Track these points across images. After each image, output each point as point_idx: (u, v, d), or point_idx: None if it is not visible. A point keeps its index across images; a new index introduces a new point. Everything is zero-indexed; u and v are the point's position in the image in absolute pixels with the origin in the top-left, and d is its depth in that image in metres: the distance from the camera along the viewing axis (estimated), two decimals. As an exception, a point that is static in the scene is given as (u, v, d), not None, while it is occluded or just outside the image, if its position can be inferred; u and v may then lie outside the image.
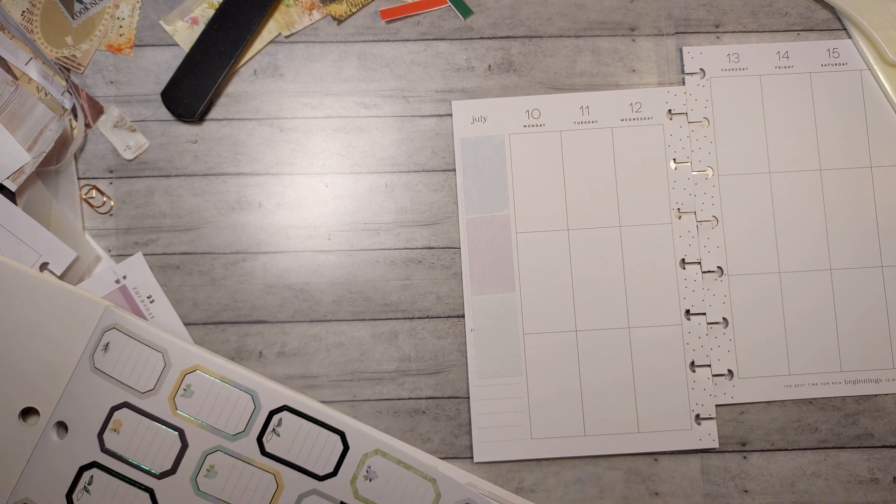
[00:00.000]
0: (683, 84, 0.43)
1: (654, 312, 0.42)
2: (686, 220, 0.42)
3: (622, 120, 0.42)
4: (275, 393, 0.39)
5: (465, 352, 0.42)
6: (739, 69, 0.43)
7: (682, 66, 0.43)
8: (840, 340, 0.42)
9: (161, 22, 0.42)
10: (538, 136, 0.42)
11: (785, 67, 0.43)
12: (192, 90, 0.41)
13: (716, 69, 0.43)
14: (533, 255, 0.42)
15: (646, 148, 0.42)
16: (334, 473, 0.38)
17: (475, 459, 0.41)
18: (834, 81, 0.43)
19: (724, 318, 0.42)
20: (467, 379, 0.41)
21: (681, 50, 0.43)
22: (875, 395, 0.42)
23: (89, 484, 0.38)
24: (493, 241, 0.42)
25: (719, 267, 0.42)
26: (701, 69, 0.43)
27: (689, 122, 0.42)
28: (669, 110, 0.42)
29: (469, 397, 0.41)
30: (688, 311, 0.42)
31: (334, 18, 0.43)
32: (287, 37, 0.43)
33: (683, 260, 0.42)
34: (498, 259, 0.42)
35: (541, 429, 0.41)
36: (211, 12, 0.42)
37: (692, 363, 0.41)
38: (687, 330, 0.41)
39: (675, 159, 0.42)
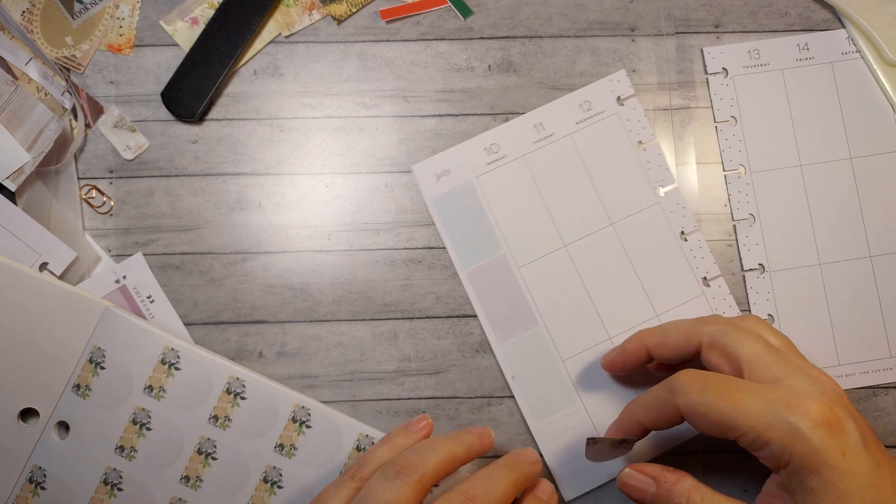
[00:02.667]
0: (707, 85, 0.43)
1: (674, 291, 0.41)
2: (670, 195, 0.42)
3: (577, 123, 0.42)
4: (272, 389, 0.39)
5: (514, 399, 0.41)
6: (761, 65, 0.43)
7: (705, 66, 0.43)
8: (887, 325, 0.42)
9: (161, 22, 0.42)
10: (504, 168, 0.42)
11: (806, 59, 0.43)
12: (192, 90, 0.41)
13: (738, 67, 0.43)
14: (542, 283, 0.41)
15: (609, 141, 0.42)
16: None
17: (566, 498, 0.40)
18: (856, 69, 0.43)
19: (769, 315, 0.42)
20: (526, 424, 0.41)
21: (702, 51, 0.43)
22: (875, 395, 0.42)
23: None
24: (500, 284, 0.41)
25: (760, 264, 0.42)
26: (724, 68, 0.43)
27: (716, 122, 0.43)
28: (618, 97, 0.42)
29: (536, 443, 0.41)
30: (704, 279, 0.42)
31: (334, 18, 0.43)
32: (287, 37, 0.43)
33: (682, 232, 0.42)
34: (511, 300, 0.41)
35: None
36: (211, 12, 0.42)
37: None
38: (711, 296, 0.41)
39: (640, 141, 0.42)
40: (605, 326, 0.41)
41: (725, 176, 0.43)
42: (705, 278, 0.42)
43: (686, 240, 0.42)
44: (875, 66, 0.43)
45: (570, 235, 0.41)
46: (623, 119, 0.42)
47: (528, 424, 0.41)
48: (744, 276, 0.42)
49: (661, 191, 0.41)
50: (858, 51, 0.43)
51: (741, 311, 0.42)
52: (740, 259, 0.42)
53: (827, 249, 0.42)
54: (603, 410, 0.41)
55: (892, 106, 0.43)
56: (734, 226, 0.42)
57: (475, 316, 0.42)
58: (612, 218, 0.42)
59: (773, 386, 0.32)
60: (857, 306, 0.42)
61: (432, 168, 0.42)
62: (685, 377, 0.33)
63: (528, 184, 0.42)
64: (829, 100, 0.43)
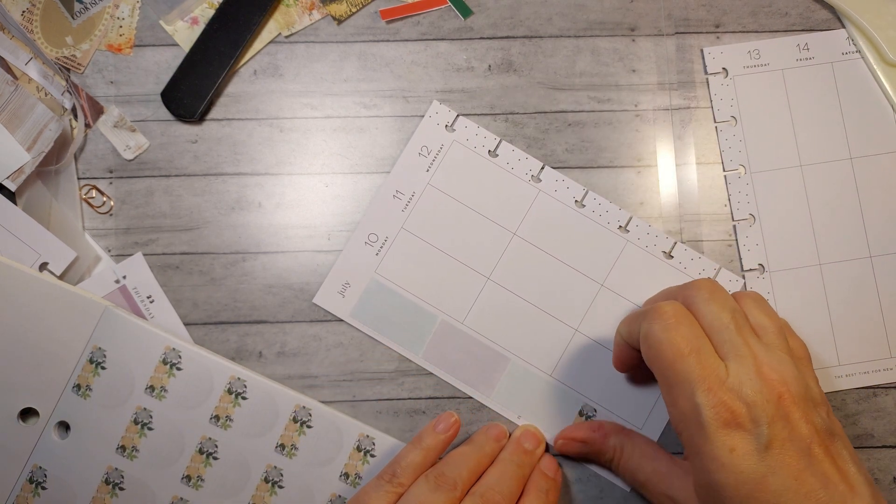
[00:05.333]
0: (707, 85, 0.43)
1: (600, 257, 0.42)
2: (546, 175, 0.42)
3: (427, 170, 0.42)
4: (269, 387, 0.39)
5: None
6: (761, 65, 0.43)
7: (705, 66, 0.43)
8: (887, 325, 0.42)
9: (161, 22, 0.42)
10: (392, 251, 0.41)
11: (806, 59, 0.43)
12: (192, 90, 0.41)
13: (738, 67, 0.43)
14: (490, 322, 0.41)
15: (464, 168, 0.42)
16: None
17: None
18: (856, 70, 0.43)
19: None
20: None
21: (702, 51, 0.43)
22: (875, 395, 0.42)
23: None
24: (456, 348, 0.41)
25: (760, 264, 0.42)
26: (724, 68, 0.43)
27: (716, 122, 0.43)
28: (446, 125, 0.42)
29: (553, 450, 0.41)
30: (620, 227, 0.42)
31: (334, 18, 0.43)
32: (287, 37, 0.43)
33: (576, 200, 0.42)
34: (474, 355, 0.41)
35: (636, 418, 0.41)
36: (211, 12, 0.42)
37: (664, 251, 0.42)
38: (634, 236, 0.42)
39: (489, 150, 0.42)
40: (564, 323, 0.41)
41: (725, 176, 0.43)
42: (620, 226, 0.42)
43: (583, 205, 0.42)
44: (875, 67, 0.43)
45: (487, 267, 0.41)
46: (462, 141, 0.42)
47: (551, 445, 0.41)
48: (744, 277, 0.42)
49: (536, 178, 0.42)
50: (858, 51, 0.43)
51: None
52: (740, 259, 0.42)
53: (827, 249, 0.42)
54: (611, 397, 0.41)
55: (892, 106, 0.43)
56: (734, 226, 0.42)
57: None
58: (511, 228, 0.41)
59: (714, 364, 0.33)
60: (857, 306, 0.42)
61: (332, 289, 0.41)
62: (667, 308, 0.34)
63: (423, 247, 0.41)
64: (829, 100, 0.43)
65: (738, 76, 0.43)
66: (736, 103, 0.43)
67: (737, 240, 0.42)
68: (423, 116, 0.42)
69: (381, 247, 0.41)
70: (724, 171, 0.43)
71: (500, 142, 0.42)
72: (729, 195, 0.43)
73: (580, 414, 0.41)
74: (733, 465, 0.31)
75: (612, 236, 0.42)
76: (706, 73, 0.43)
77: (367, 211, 0.42)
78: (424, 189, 0.42)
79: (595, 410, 0.41)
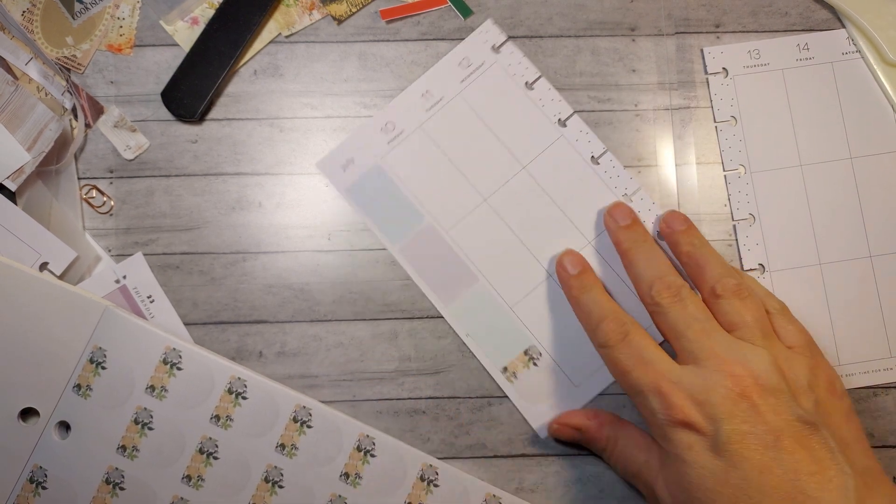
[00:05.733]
0: (707, 85, 0.43)
1: (599, 216, 0.42)
2: (572, 124, 0.42)
3: (462, 81, 0.42)
4: (266, 385, 0.39)
5: (472, 356, 0.41)
6: (761, 65, 0.43)
7: (705, 66, 0.43)
8: (887, 325, 0.42)
9: (161, 22, 0.42)
10: (405, 144, 0.42)
11: (806, 59, 0.43)
12: (192, 90, 0.41)
13: (738, 67, 0.43)
14: (472, 240, 0.42)
15: (498, 90, 0.42)
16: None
17: (542, 437, 0.41)
18: (856, 69, 0.43)
19: None
20: (493, 378, 0.41)
21: (702, 51, 0.43)
22: (875, 395, 0.42)
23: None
24: (433, 252, 0.42)
25: (761, 264, 0.42)
26: (724, 68, 0.43)
27: (716, 122, 0.43)
28: (493, 46, 0.42)
29: (506, 395, 0.41)
30: (625, 194, 0.42)
31: (334, 18, 0.43)
32: (287, 37, 0.43)
33: (593, 156, 0.42)
34: (446, 264, 0.42)
35: (577, 374, 0.41)
36: (211, 12, 0.42)
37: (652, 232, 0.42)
38: (636, 209, 0.42)
39: (527, 82, 0.42)
40: (541, 265, 0.42)
41: (725, 176, 0.43)
42: (626, 194, 0.42)
43: (598, 163, 0.42)
44: (875, 67, 0.43)
45: (488, 189, 0.42)
46: (504, 66, 0.42)
47: (495, 378, 0.41)
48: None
49: (562, 123, 0.42)
50: (858, 51, 0.43)
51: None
52: (740, 259, 0.42)
53: (827, 249, 0.42)
54: (559, 345, 0.41)
55: (892, 106, 0.43)
56: (734, 226, 0.42)
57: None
58: (523, 161, 0.42)
59: (666, 369, 0.35)
60: (857, 306, 0.42)
61: (336, 160, 0.42)
62: (608, 330, 0.37)
63: (434, 151, 0.42)
64: (829, 100, 0.43)
65: (738, 76, 0.43)
66: (736, 103, 0.43)
67: (737, 239, 0.42)
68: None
69: (395, 138, 0.42)
70: (724, 170, 0.43)
71: (539, 77, 0.42)
72: (729, 195, 0.43)
73: (525, 353, 0.41)
74: (693, 461, 0.33)
75: (613, 200, 0.42)
76: (706, 72, 0.43)
77: (394, 100, 0.42)
78: (453, 98, 0.42)
79: (540, 355, 0.41)
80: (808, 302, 0.42)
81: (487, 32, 0.43)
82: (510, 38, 0.42)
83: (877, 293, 0.42)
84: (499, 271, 0.42)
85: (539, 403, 0.41)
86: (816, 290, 0.42)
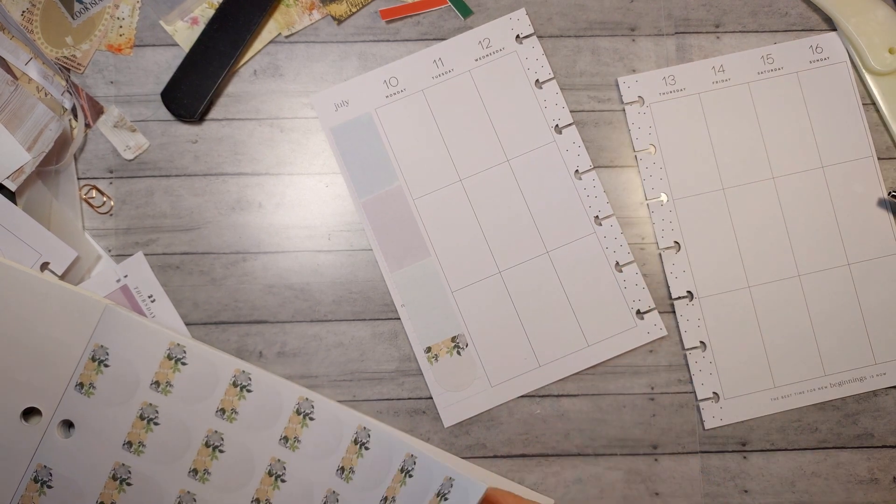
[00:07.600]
0: (624, 114, 0.43)
1: (566, 229, 0.42)
2: (567, 133, 0.42)
3: (476, 60, 0.42)
4: (272, 380, 0.39)
5: (404, 329, 0.42)
6: (677, 90, 0.42)
7: (620, 96, 0.43)
8: (819, 344, 0.42)
9: (161, 22, 0.42)
10: (403, 101, 0.42)
11: (722, 82, 0.42)
12: (192, 90, 0.41)
13: (654, 94, 0.42)
14: (436, 215, 0.42)
15: (507, 79, 0.42)
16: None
17: (445, 424, 0.41)
18: (773, 88, 0.42)
19: (701, 342, 0.42)
20: (413, 352, 0.41)
21: (616, 81, 0.43)
22: (875, 395, 0.42)
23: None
24: (395, 215, 0.42)
25: (689, 291, 0.42)
26: (640, 97, 0.42)
27: (635, 152, 0.42)
28: (517, 35, 0.42)
29: (421, 371, 0.41)
30: (597, 217, 0.42)
31: (334, 18, 0.43)
32: (287, 37, 0.43)
33: (577, 171, 0.42)
34: (404, 231, 0.42)
35: (497, 375, 0.41)
36: (211, 12, 0.42)
37: (616, 264, 0.42)
38: (602, 234, 0.42)
39: (538, 80, 0.42)
40: (495, 261, 0.42)
41: (648, 205, 0.42)
42: (597, 217, 0.42)
43: (580, 178, 0.42)
44: (862, 70, 0.42)
45: (466, 170, 0.42)
46: (521, 57, 0.42)
47: (414, 351, 0.41)
48: (672, 305, 0.42)
49: (558, 130, 0.42)
50: (849, 54, 0.43)
51: (608, 216, 0.42)
52: (668, 288, 0.42)
53: (755, 271, 0.42)
54: (487, 342, 0.41)
55: (878, 111, 0.42)
56: (660, 255, 0.42)
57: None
58: (508, 154, 0.42)
59: None
60: (788, 326, 0.42)
61: (332, 98, 0.42)
62: None
63: (427, 118, 0.42)
64: (747, 120, 0.42)
65: (654, 103, 0.42)
66: (654, 131, 0.42)
67: (663, 268, 0.42)
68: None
69: (395, 94, 0.42)
70: (646, 199, 0.42)
71: (551, 79, 0.42)
72: (653, 223, 0.42)
73: (452, 340, 0.41)
74: None
75: (583, 219, 0.42)
76: (622, 102, 0.42)
77: (405, 59, 0.42)
78: (462, 74, 0.42)
79: (466, 346, 0.41)
80: (738, 325, 0.42)
81: (518, 21, 0.42)
82: (536, 34, 0.42)
83: (807, 311, 0.42)
84: (451, 253, 0.42)
85: (452, 392, 0.41)
86: (747, 313, 0.42)
